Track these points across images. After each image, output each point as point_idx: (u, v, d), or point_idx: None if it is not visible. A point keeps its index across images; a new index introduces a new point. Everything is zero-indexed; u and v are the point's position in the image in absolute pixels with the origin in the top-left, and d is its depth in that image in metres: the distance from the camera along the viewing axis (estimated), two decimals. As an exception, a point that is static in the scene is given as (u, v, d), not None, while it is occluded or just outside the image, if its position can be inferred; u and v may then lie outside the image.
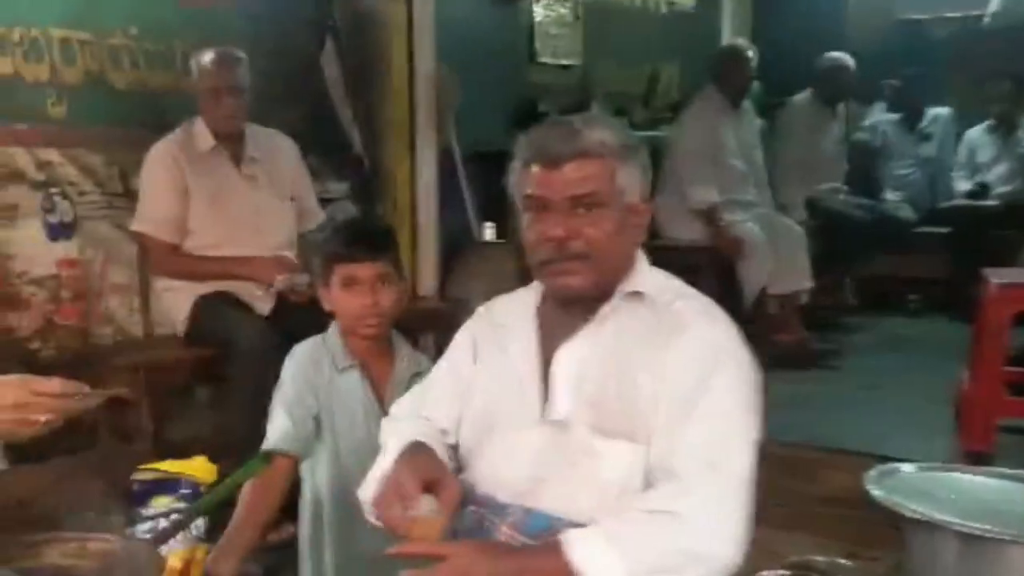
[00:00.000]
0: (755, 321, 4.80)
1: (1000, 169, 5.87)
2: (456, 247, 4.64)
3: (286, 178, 3.46)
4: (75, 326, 3.26)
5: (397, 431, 1.67)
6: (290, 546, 2.30)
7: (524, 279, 1.71)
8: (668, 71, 6.35)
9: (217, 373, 3.19)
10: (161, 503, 1.73)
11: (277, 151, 3.47)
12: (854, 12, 6.84)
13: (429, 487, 1.44)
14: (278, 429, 2.03)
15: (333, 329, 2.14)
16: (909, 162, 6.26)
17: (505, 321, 1.70)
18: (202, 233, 3.25)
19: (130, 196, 3.34)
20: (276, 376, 2.12)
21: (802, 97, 5.58)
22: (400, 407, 1.80)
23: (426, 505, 1.42)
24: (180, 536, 1.69)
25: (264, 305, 3.20)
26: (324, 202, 3.95)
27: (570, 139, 1.52)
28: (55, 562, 1.38)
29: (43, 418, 1.53)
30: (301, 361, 2.11)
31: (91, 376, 3.20)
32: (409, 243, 4.43)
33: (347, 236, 2.14)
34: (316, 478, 2.13)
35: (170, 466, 1.76)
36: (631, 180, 1.55)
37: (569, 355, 1.57)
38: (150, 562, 1.35)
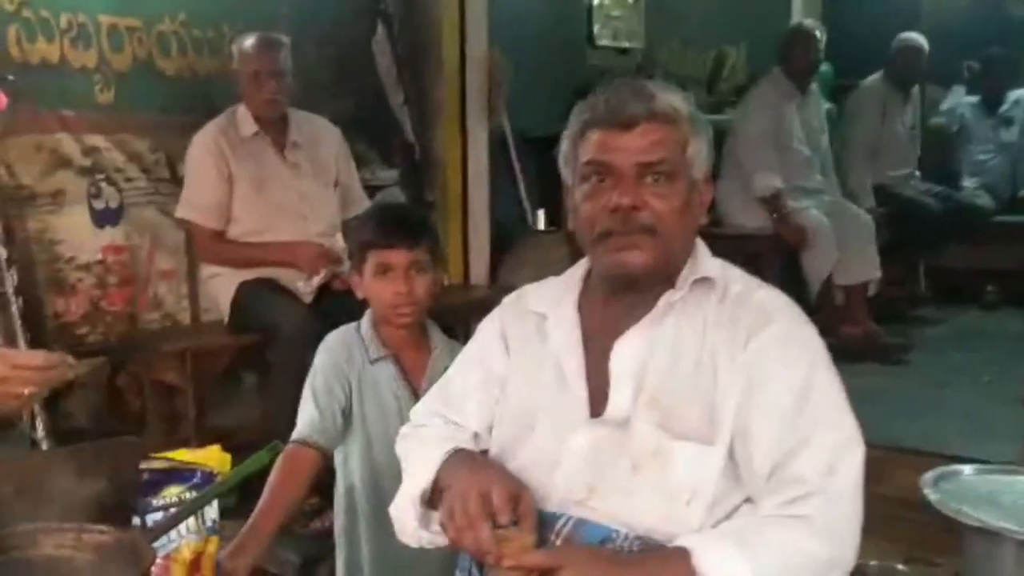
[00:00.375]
0: (820, 312, 4.64)
1: (1086, 155, 5.59)
2: (509, 234, 4.57)
3: (329, 164, 3.43)
4: (122, 312, 3.28)
5: (423, 439, 1.55)
6: (330, 535, 2.26)
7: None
8: (734, 53, 6.19)
9: (262, 359, 3.18)
10: (172, 493, 1.69)
11: (320, 137, 3.45)
12: (931, -9, 6.59)
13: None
14: (306, 420, 1.99)
15: (367, 318, 2.10)
16: (989, 147, 6.01)
17: (543, 309, 1.53)
18: (246, 219, 3.24)
19: (177, 182, 3.35)
20: (316, 363, 2.09)
21: (873, 80, 5.40)
22: (419, 412, 1.65)
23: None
24: (193, 526, 1.65)
25: (306, 295, 3.17)
26: (374, 189, 3.93)
27: (643, 99, 1.38)
28: (49, 553, 1.34)
29: (26, 391, 1.50)
30: (333, 351, 2.06)
31: (138, 361, 3.26)
32: (460, 230, 4.39)
33: (381, 222, 2.09)
34: (349, 469, 2.09)
35: (182, 455, 1.72)
36: (700, 153, 1.42)
37: (629, 347, 1.41)
38: (145, 554, 1.29)
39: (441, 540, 1.43)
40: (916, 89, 5.55)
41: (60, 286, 3.13)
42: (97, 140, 3.21)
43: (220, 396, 3.40)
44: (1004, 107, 6.02)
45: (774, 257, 4.53)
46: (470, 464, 1.41)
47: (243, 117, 3.25)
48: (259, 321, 3.08)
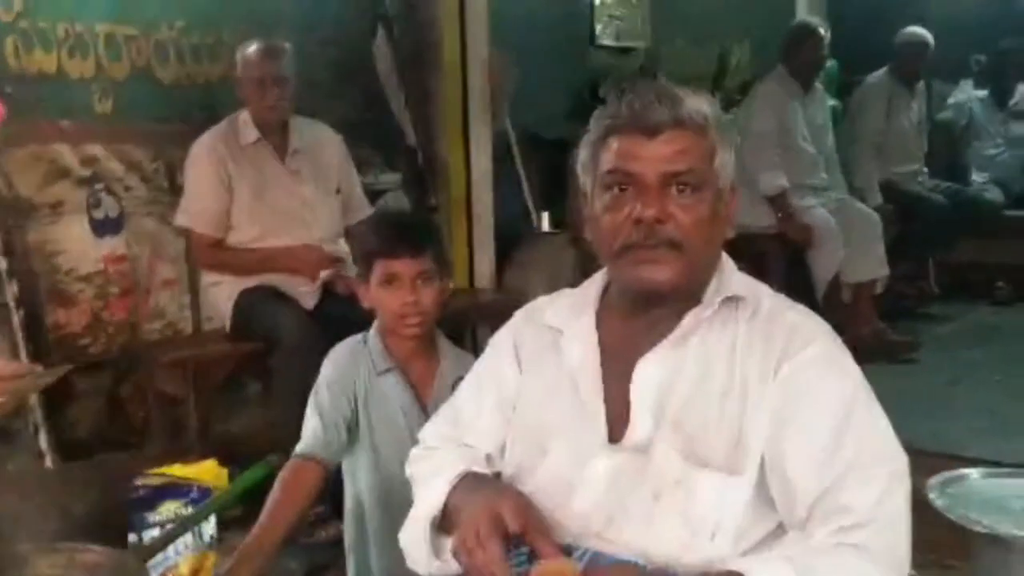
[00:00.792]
0: (827, 311, 4.61)
1: (1096, 147, 5.54)
2: (514, 237, 4.55)
3: (331, 170, 3.41)
4: (124, 322, 3.27)
5: (433, 462, 1.49)
6: (336, 544, 2.25)
7: (582, 269, 1.54)
8: (739, 51, 6.15)
9: (265, 367, 3.16)
10: (169, 508, 1.68)
11: (322, 143, 3.43)
12: (938, -15, 6.54)
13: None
14: (309, 434, 1.97)
15: (374, 329, 2.07)
16: (998, 141, 5.97)
17: (558, 324, 1.45)
18: (246, 227, 3.22)
19: (176, 191, 3.33)
20: (319, 371, 2.05)
21: (878, 75, 5.36)
22: (429, 432, 1.59)
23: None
24: (191, 542, 1.63)
25: (308, 298, 3.15)
26: (376, 193, 3.92)
27: (669, 104, 1.30)
28: (43, 573, 1.33)
29: None
30: (339, 363, 2.04)
31: (140, 371, 3.25)
32: (465, 233, 4.36)
33: (387, 231, 2.06)
34: (357, 482, 2.08)
35: (178, 471, 1.72)
36: (727, 162, 1.34)
37: (652, 368, 1.33)
38: (136, 574, 1.28)
39: (454, 567, 1.35)
40: (922, 84, 5.50)
41: (61, 297, 3.13)
42: (96, 150, 3.21)
43: (224, 405, 3.40)
44: (1013, 100, 5.97)
45: (780, 256, 4.50)
46: (481, 487, 1.36)
47: (244, 124, 3.24)
48: (260, 329, 3.06)
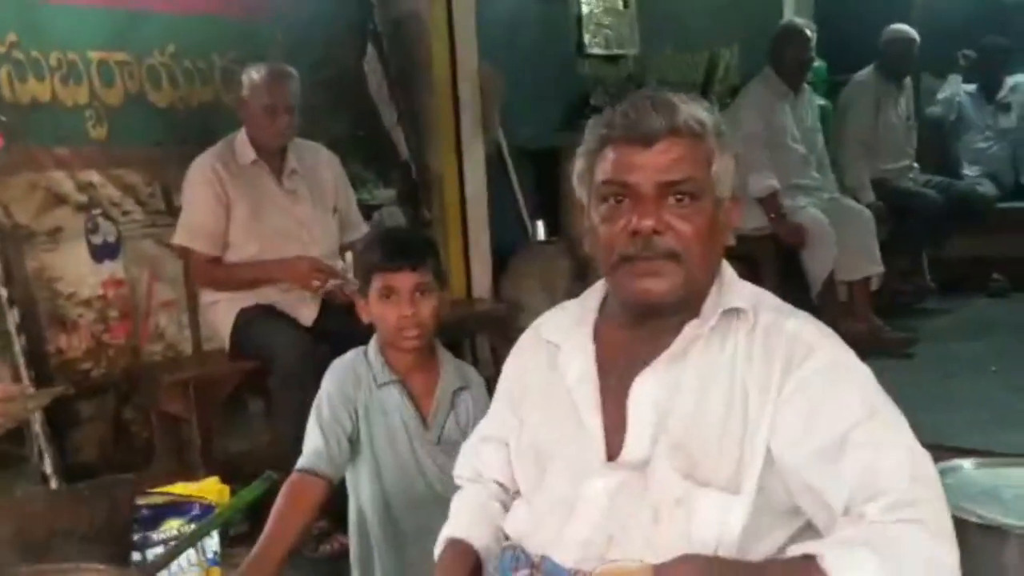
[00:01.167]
0: (823, 310, 4.63)
1: (1085, 136, 5.57)
2: (509, 247, 4.58)
3: (328, 190, 3.44)
4: (124, 345, 3.29)
5: (462, 501, 1.54)
6: (341, 558, 2.27)
7: (578, 277, 1.56)
8: (727, 55, 6.16)
9: (267, 386, 3.18)
10: (172, 526, 1.70)
11: (318, 163, 3.45)
12: (924, -18, 6.57)
13: None
14: (311, 448, 1.98)
15: (374, 342, 2.09)
16: (988, 135, 6.00)
17: (556, 339, 1.44)
18: (243, 246, 3.24)
19: (173, 214, 3.35)
20: (318, 387, 2.07)
21: (865, 74, 5.40)
22: (458, 467, 1.60)
23: None
24: (194, 559, 1.66)
25: (307, 315, 3.18)
26: (371, 208, 3.94)
27: (665, 112, 1.27)
28: (48, 594, 1.35)
29: None
30: (339, 377, 2.06)
31: (142, 393, 3.27)
32: (461, 245, 4.39)
33: (385, 245, 2.09)
34: (360, 496, 2.10)
35: (181, 489, 1.74)
36: (727, 170, 1.31)
37: (650, 385, 1.30)
38: (141, 592, 1.31)
39: None
40: (909, 80, 5.53)
41: (62, 322, 3.14)
42: (92, 176, 3.23)
43: (227, 423, 3.41)
44: (1001, 93, 6.01)
45: (774, 257, 4.52)
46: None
47: (242, 145, 3.26)
48: (258, 348, 3.08)
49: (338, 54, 4.07)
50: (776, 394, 1.23)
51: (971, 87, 6.06)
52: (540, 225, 4.80)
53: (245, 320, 3.17)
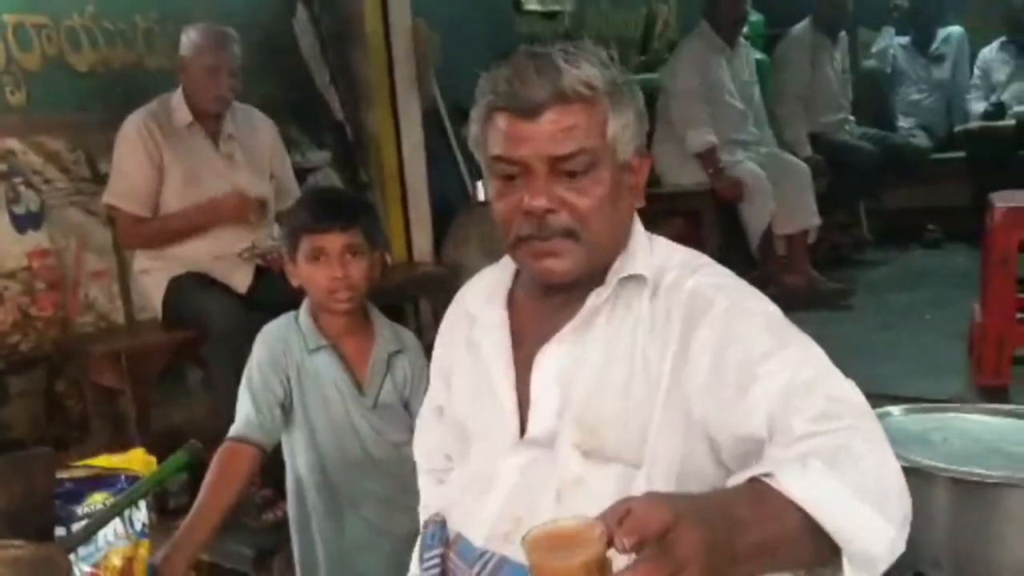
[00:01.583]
0: (762, 264, 4.68)
1: (1016, 87, 5.69)
2: (450, 209, 4.53)
3: (264, 156, 3.38)
4: (53, 317, 3.20)
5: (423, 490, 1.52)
6: (283, 526, 2.24)
7: None
8: (665, 10, 6.15)
9: (201, 355, 3.13)
10: (97, 500, 1.65)
11: (255, 129, 3.39)
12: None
13: None
14: (242, 416, 1.96)
15: (304, 307, 2.05)
16: (922, 87, 6.09)
17: (474, 310, 1.39)
18: (176, 210, 3.16)
19: (99, 181, 3.26)
20: (253, 356, 2.05)
21: (800, 27, 5.41)
22: (417, 446, 1.55)
23: None
24: (121, 532, 1.61)
25: (241, 282, 3.12)
26: (305, 172, 3.88)
27: (548, 78, 1.16)
28: (-34, 572, 1.31)
29: None
30: (269, 343, 2.02)
31: (74, 366, 3.20)
32: (400, 207, 4.34)
33: (312, 206, 2.04)
34: (296, 462, 2.08)
35: (105, 461, 1.68)
36: (626, 130, 1.22)
37: (552, 357, 1.25)
38: (60, 565, 1.26)
39: None
40: (844, 34, 5.56)
41: (-15, 296, 3.06)
42: (11, 143, 3.11)
43: (164, 395, 3.35)
44: (934, 46, 6.07)
45: (713, 212, 4.54)
46: None
47: (178, 106, 3.17)
48: (192, 316, 3.02)
49: (266, 14, 3.97)
50: (680, 356, 1.16)
51: (905, 39, 6.12)
52: (480, 185, 4.76)
53: (178, 288, 3.10)
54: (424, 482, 1.52)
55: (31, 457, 1.49)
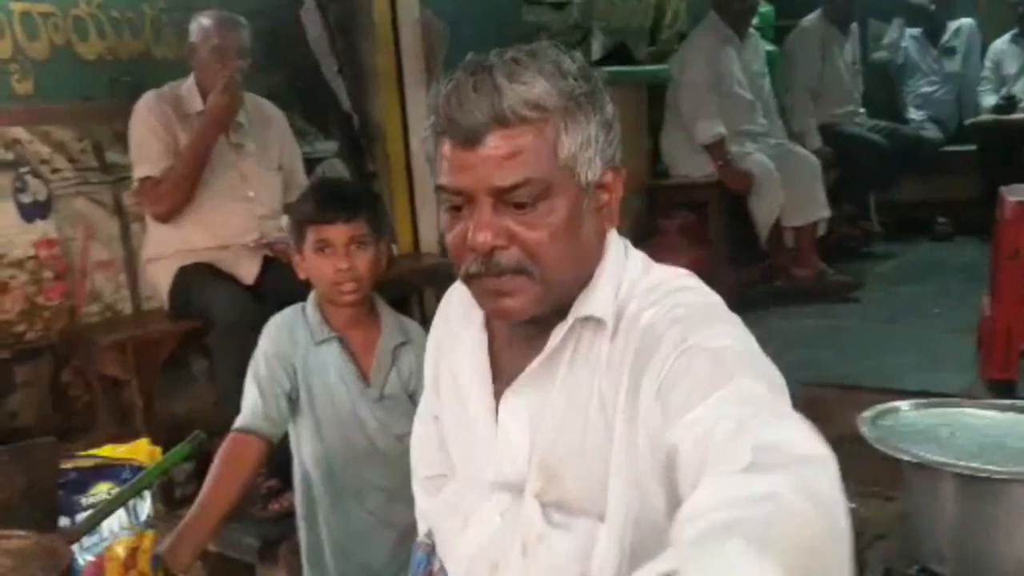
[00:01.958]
0: (771, 256, 4.67)
1: (1027, 80, 5.61)
2: (457, 200, 4.51)
3: (274, 147, 3.37)
4: (60, 306, 3.20)
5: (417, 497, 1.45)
6: (291, 515, 2.25)
7: None
8: (675, 1, 6.10)
9: (208, 345, 3.13)
10: (102, 490, 1.66)
11: (266, 120, 3.39)
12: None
13: None
14: (248, 407, 1.96)
15: (311, 298, 2.06)
16: (933, 79, 6.04)
17: (456, 326, 1.29)
18: (184, 199, 3.16)
19: (106, 170, 3.26)
20: (258, 346, 2.05)
21: (811, 19, 5.38)
22: (413, 450, 1.47)
23: None
24: (126, 522, 1.62)
25: (248, 273, 3.11)
26: (313, 162, 3.87)
27: (487, 99, 1.04)
28: (-30, 562, 1.31)
29: None
30: (276, 335, 2.03)
31: (80, 355, 3.20)
32: (407, 198, 4.33)
33: (318, 198, 2.03)
34: (302, 453, 2.09)
35: (109, 451, 1.69)
36: (588, 146, 1.08)
37: (520, 399, 1.17)
38: (62, 555, 1.27)
39: None
40: (855, 26, 5.53)
41: (-8, 285, 3.06)
42: (18, 132, 3.10)
43: (170, 384, 3.36)
44: (946, 37, 6.03)
45: (722, 204, 4.53)
46: None
47: (189, 92, 3.18)
48: (198, 307, 3.01)
49: (273, 4, 3.95)
50: (631, 399, 1.06)
51: (916, 31, 6.07)
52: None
53: (185, 279, 3.09)
54: (418, 490, 1.46)
55: (34, 447, 1.49)
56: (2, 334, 3.06)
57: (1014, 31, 5.65)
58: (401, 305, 3.09)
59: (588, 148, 1.09)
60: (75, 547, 1.43)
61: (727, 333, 1.04)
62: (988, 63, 5.82)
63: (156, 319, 3.27)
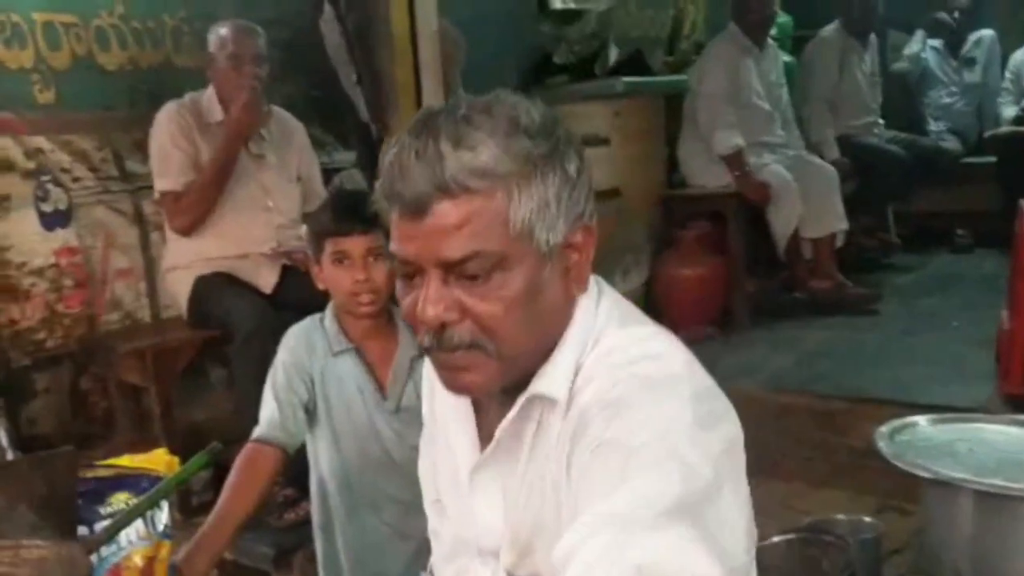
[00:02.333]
0: (789, 267, 4.65)
1: (1048, 92, 5.58)
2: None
3: (293, 159, 3.41)
4: (80, 314, 3.24)
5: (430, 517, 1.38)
6: (306, 524, 2.26)
7: None
8: (693, 11, 6.11)
9: (226, 354, 3.15)
10: (120, 500, 1.66)
11: (286, 131, 3.42)
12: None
13: None
14: (266, 418, 1.97)
15: (329, 310, 2.07)
16: (953, 90, 6.01)
17: None
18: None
19: (126, 179, 3.31)
20: (277, 355, 2.06)
21: (830, 30, 5.36)
22: (420, 474, 1.39)
23: None
24: (143, 532, 1.62)
25: (267, 282, 3.13)
26: (331, 172, 3.89)
27: (429, 168, 0.97)
28: (-11, 571, 1.32)
29: None
30: (294, 345, 2.04)
31: (99, 363, 3.23)
32: (423, 209, 4.33)
33: (336, 209, 2.05)
34: (319, 464, 2.09)
35: (128, 461, 1.69)
36: (548, 209, 1.00)
37: (487, 472, 1.13)
38: (80, 565, 1.27)
39: None
40: (874, 36, 5.50)
41: (13, 293, 3.08)
42: (40, 141, 3.15)
43: (188, 392, 3.38)
44: (966, 48, 6.00)
45: (739, 215, 4.51)
46: None
47: (210, 102, 3.21)
48: (217, 316, 3.04)
49: (292, 13, 3.99)
50: (565, 481, 1.02)
51: (936, 42, 6.05)
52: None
53: (204, 287, 3.12)
54: (429, 512, 1.40)
55: (54, 457, 1.49)
56: (22, 341, 3.09)
57: (1035, 42, 5.63)
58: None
59: (547, 211, 1.01)
60: (93, 557, 1.44)
61: (654, 423, 0.94)
62: (1008, 74, 5.79)
63: (175, 327, 3.29)
